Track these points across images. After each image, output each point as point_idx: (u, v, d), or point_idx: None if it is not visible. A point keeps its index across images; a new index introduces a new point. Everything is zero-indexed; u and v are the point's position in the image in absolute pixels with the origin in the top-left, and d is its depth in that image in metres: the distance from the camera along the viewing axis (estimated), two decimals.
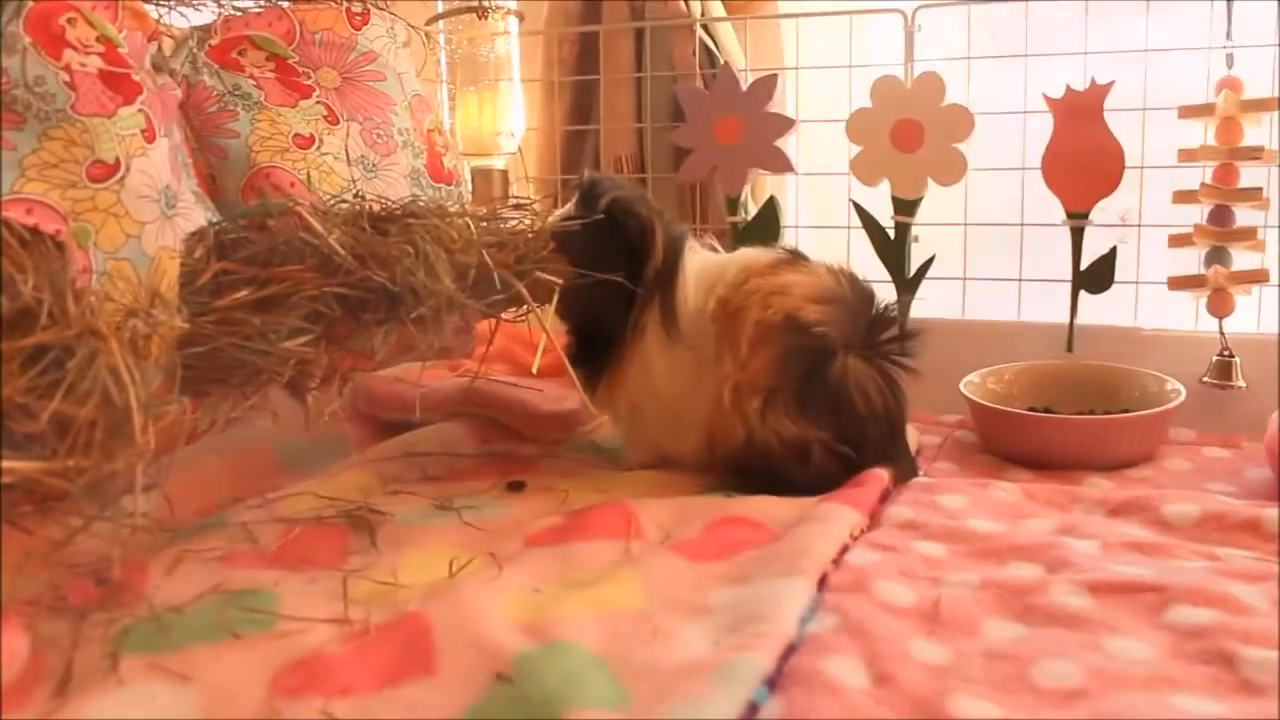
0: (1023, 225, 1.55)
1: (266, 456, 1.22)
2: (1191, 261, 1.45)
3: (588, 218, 1.14)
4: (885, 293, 1.30)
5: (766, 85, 1.60)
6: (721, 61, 1.67)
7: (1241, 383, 1.42)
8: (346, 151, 1.14)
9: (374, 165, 1.16)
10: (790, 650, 0.77)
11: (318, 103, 1.16)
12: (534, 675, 0.74)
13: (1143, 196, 1.50)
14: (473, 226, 1.05)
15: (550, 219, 1.15)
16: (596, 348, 1.17)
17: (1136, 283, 1.51)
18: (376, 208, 1.08)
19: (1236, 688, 0.73)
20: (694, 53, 1.68)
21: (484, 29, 1.61)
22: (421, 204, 1.09)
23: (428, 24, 1.60)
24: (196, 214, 0.99)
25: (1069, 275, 1.51)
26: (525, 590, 0.87)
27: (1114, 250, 1.49)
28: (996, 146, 1.57)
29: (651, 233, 1.15)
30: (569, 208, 1.18)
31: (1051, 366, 1.47)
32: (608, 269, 1.11)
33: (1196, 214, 1.44)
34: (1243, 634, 0.78)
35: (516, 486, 1.16)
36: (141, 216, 0.92)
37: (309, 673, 0.76)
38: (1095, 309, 1.52)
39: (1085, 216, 1.49)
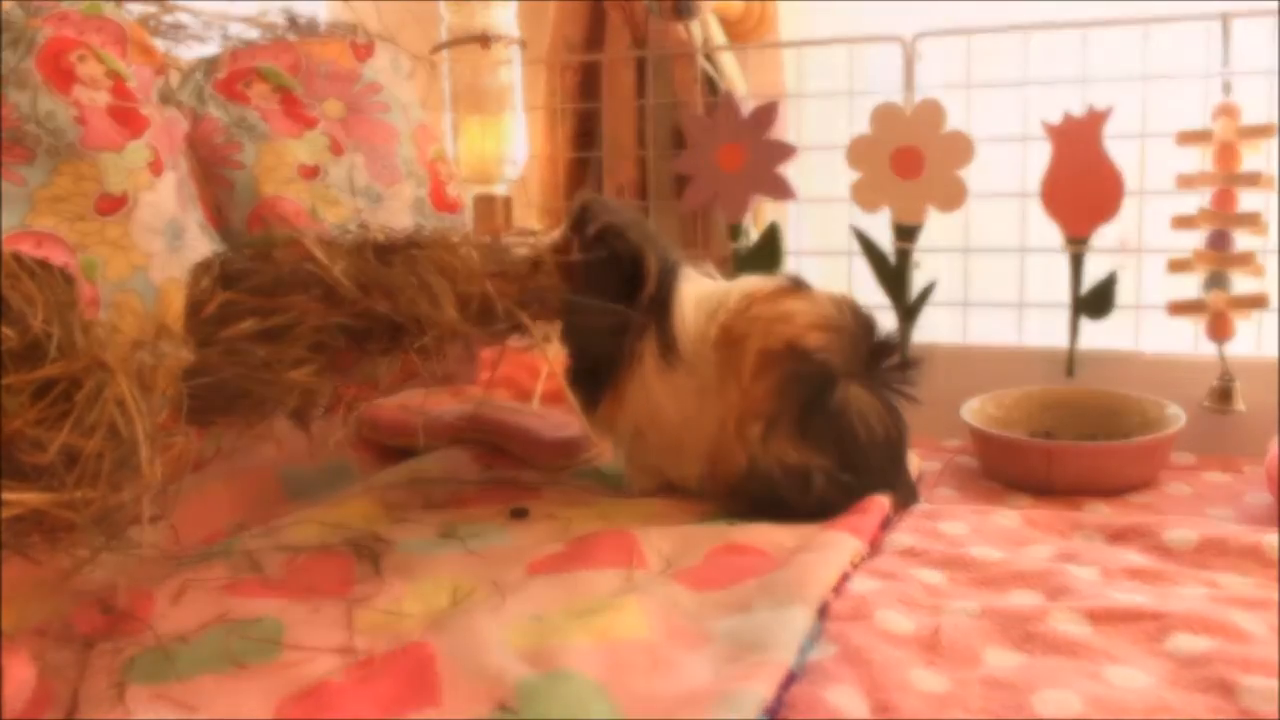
0: (1023, 250, 1.56)
1: (272, 484, 1.22)
2: (1191, 286, 1.46)
3: (580, 243, 1.15)
4: (886, 319, 1.31)
5: (768, 112, 1.61)
6: (723, 89, 1.69)
7: (1242, 407, 1.42)
8: (351, 182, 1.15)
9: (378, 195, 1.17)
10: (791, 679, 0.78)
11: (323, 134, 1.17)
12: (536, 704, 0.74)
13: (1142, 222, 1.51)
14: (475, 256, 1.06)
15: (544, 242, 1.15)
16: (597, 373, 1.18)
17: (1136, 307, 1.52)
18: (381, 238, 1.09)
19: (1236, 716, 0.73)
20: (696, 80, 1.69)
21: (487, 58, 1.62)
22: (425, 234, 1.10)
23: (432, 53, 1.61)
24: (203, 245, 1.01)
25: (1069, 300, 1.51)
26: (527, 619, 0.87)
27: (1114, 275, 1.50)
28: (997, 172, 1.58)
29: (643, 258, 1.16)
30: (562, 231, 1.19)
31: (1052, 391, 1.48)
32: (603, 294, 1.12)
33: (1196, 239, 1.45)
34: (1243, 662, 0.79)
35: (519, 514, 1.17)
36: (149, 249, 0.93)
37: (314, 702, 0.76)
38: (1095, 333, 1.52)
39: (1085, 242, 1.49)
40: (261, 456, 1.05)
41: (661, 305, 1.16)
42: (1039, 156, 1.52)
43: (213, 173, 1.10)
